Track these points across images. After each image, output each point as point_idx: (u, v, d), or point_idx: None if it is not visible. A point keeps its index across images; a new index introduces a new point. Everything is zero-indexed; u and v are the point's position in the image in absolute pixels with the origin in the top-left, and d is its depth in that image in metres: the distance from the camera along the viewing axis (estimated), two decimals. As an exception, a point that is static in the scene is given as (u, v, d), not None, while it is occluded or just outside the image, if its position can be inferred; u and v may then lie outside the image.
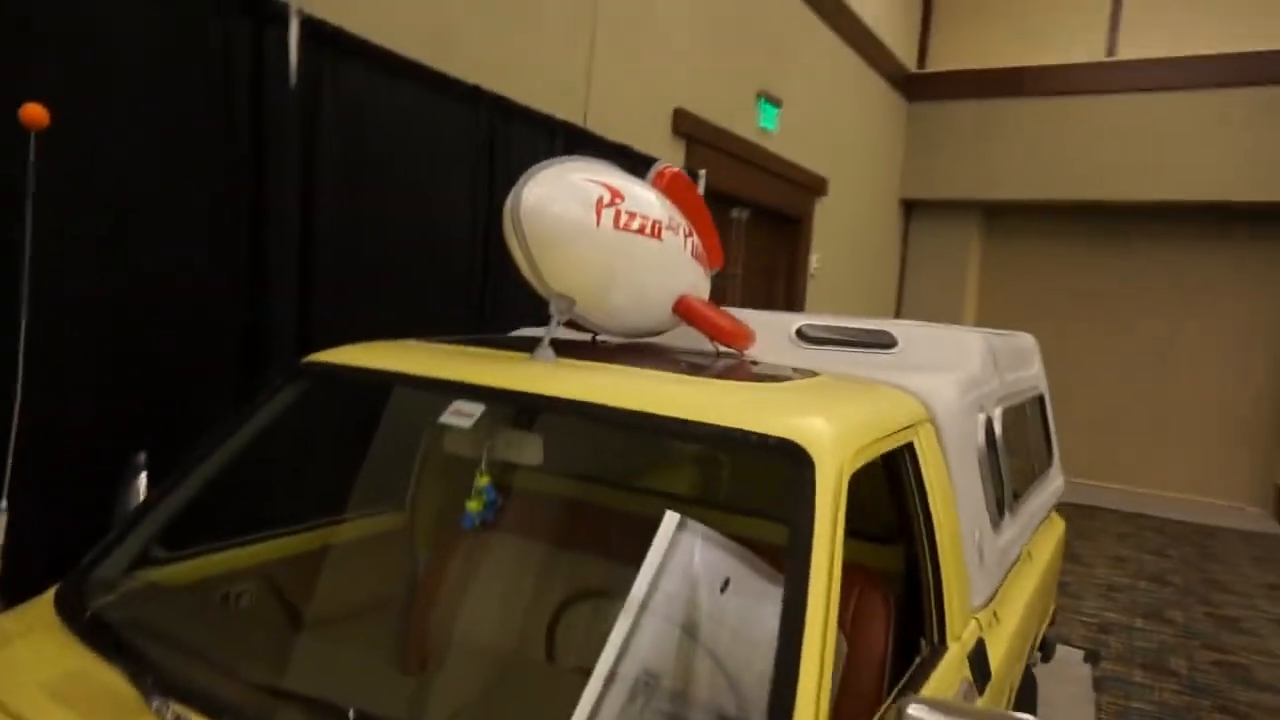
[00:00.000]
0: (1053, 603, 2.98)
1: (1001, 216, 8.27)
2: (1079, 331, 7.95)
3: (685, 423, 1.38)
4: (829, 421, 1.39)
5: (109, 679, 1.24)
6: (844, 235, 6.91)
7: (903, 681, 1.51)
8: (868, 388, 1.75)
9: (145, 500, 1.71)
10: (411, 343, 1.87)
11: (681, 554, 1.27)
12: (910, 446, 1.65)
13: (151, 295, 2.12)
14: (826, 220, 6.50)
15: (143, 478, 1.80)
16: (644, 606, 1.21)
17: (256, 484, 1.95)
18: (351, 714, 1.11)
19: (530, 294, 1.73)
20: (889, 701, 1.44)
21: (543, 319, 1.73)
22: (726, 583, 1.30)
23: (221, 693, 1.19)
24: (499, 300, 3.16)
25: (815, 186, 6.24)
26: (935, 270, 8.20)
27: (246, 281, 2.32)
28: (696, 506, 2.08)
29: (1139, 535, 6.30)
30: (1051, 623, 2.94)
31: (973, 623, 1.80)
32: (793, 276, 6.22)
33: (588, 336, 1.94)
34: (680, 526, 1.28)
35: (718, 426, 1.37)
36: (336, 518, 2.15)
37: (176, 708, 1.14)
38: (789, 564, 1.21)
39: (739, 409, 1.40)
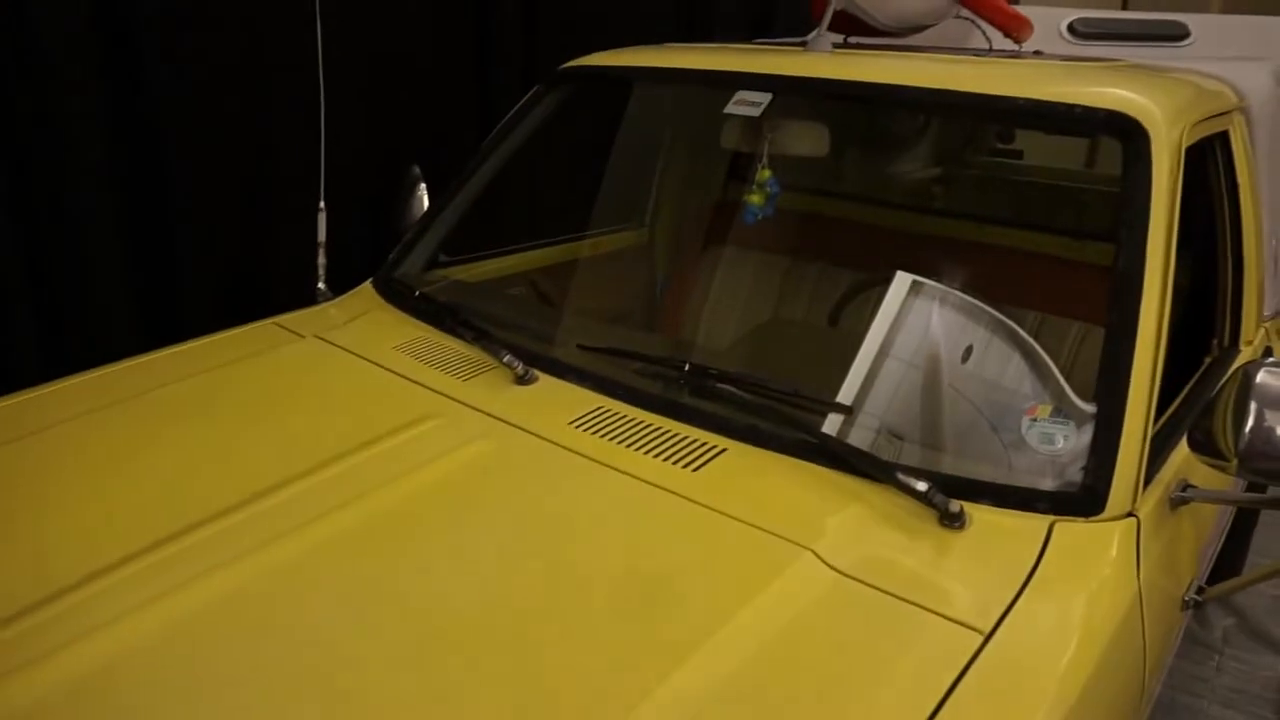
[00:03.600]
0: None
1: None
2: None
3: (998, 99, 1.30)
4: (1155, 94, 1.28)
5: (450, 343, 1.39)
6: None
7: (1197, 376, 1.48)
8: (1176, 72, 1.58)
9: (431, 208, 1.83)
10: (671, 45, 1.83)
11: (916, 319, 1.19)
12: (1225, 135, 1.51)
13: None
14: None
15: (421, 188, 1.92)
16: (871, 377, 1.16)
17: (521, 195, 2.05)
18: (687, 365, 1.20)
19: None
20: (1183, 395, 1.42)
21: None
22: (969, 351, 1.21)
23: (555, 353, 1.32)
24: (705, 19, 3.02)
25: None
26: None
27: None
28: (986, 224, 2.01)
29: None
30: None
31: (1262, 330, 1.72)
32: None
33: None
34: (914, 290, 1.19)
35: (1036, 100, 1.28)
36: (587, 232, 2.24)
37: (523, 364, 1.27)
38: (1122, 247, 1.15)
39: (1054, 83, 1.31)
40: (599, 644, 0.83)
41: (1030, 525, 1.01)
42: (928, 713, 0.78)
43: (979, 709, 0.80)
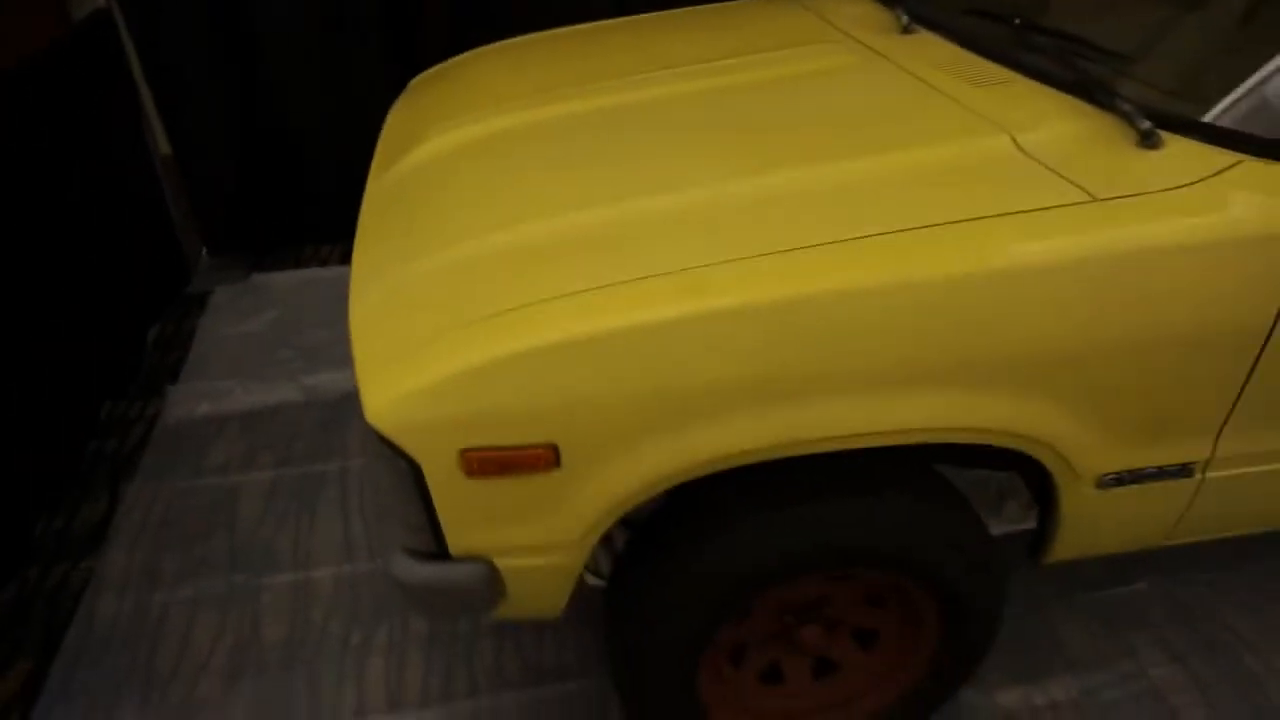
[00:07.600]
0: None
1: None
2: None
3: None
4: None
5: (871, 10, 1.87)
6: None
7: None
8: None
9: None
10: None
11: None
12: None
13: None
14: None
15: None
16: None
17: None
18: (1017, 20, 1.51)
19: None
20: None
21: None
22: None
23: (937, 15, 1.71)
24: None
25: None
26: None
27: None
28: None
29: None
30: None
31: None
32: None
33: None
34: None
35: None
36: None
37: (909, 17, 1.70)
38: None
39: None
40: (819, 133, 1.36)
41: (1218, 159, 1.18)
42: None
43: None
